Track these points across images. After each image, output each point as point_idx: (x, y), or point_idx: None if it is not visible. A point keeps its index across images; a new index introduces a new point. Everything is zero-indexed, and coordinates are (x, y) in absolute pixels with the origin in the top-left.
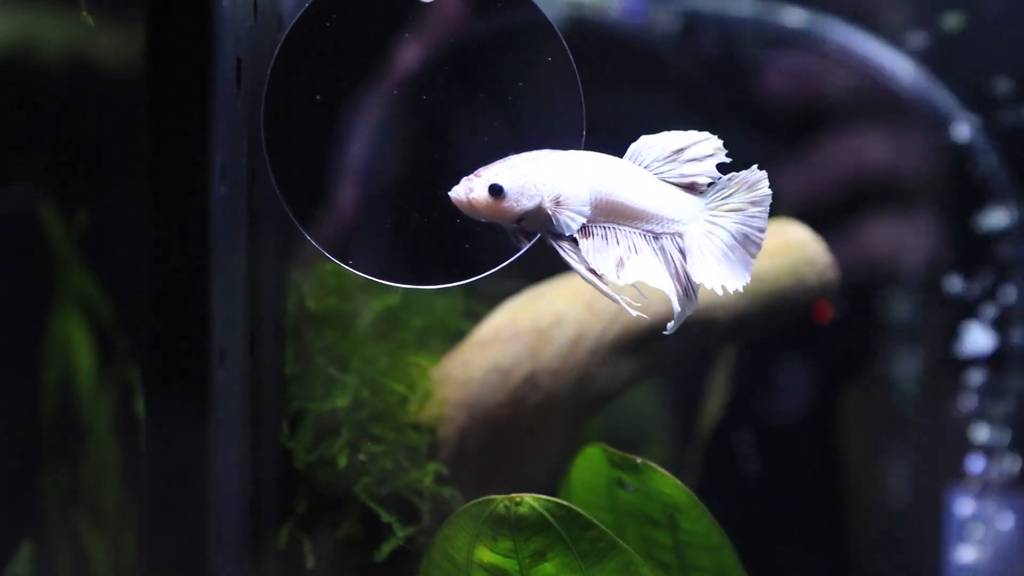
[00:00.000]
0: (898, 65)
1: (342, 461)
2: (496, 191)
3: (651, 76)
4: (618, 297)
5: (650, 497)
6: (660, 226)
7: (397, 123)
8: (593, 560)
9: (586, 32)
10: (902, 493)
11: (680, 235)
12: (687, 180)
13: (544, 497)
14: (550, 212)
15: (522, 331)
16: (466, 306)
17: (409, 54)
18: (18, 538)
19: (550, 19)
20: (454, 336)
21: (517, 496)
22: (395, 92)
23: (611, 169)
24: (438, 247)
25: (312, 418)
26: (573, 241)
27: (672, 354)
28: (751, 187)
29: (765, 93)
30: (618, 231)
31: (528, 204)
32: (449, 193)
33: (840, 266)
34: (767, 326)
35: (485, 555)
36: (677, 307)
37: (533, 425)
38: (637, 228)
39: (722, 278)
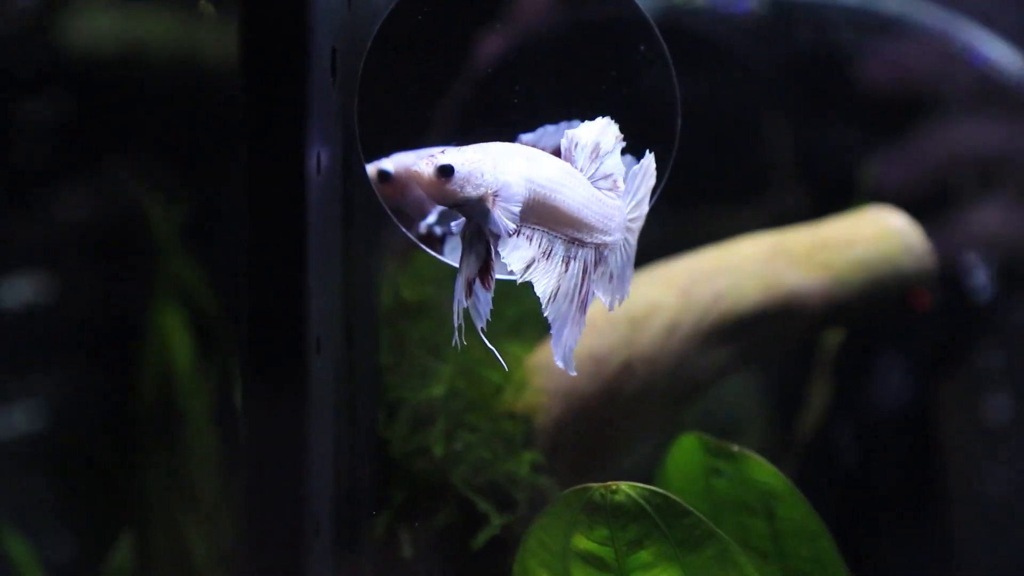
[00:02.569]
0: (996, 49)
1: (438, 450)
2: (446, 171)
3: (745, 65)
4: (457, 322)
5: (746, 485)
6: (590, 236)
7: (489, 114)
8: (689, 548)
9: (678, 21)
10: (1005, 483)
11: (606, 246)
12: (609, 179)
13: (640, 485)
14: (488, 205)
15: (617, 320)
16: None
17: (501, 45)
18: (119, 528)
19: (642, 7)
20: (547, 325)
21: (613, 484)
22: (488, 83)
23: (555, 172)
24: None
25: (408, 408)
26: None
27: (768, 343)
28: (650, 178)
29: (863, 81)
30: (544, 234)
31: (471, 192)
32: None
33: (939, 254)
34: (863, 314)
35: (581, 543)
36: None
37: (629, 414)
38: (567, 235)
39: (618, 294)
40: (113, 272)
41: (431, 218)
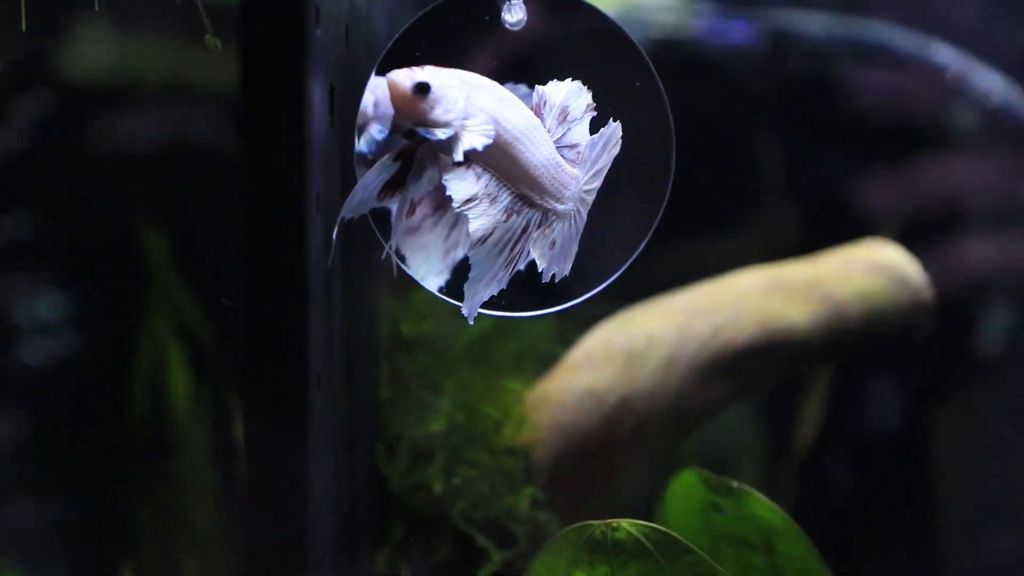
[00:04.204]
0: (990, 80)
1: (438, 486)
2: (423, 88)
3: (738, 94)
4: (391, 252)
5: (746, 521)
6: (541, 198)
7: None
8: None
9: (675, 51)
10: (1003, 515)
11: (555, 214)
12: (574, 149)
13: (641, 522)
14: (453, 130)
15: (615, 354)
16: (559, 330)
17: (495, 78)
18: (116, 564)
19: (636, 41)
20: (547, 360)
21: (614, 521)
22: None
23: (522, 122)
24: (530, 275)
25: (407, 443)
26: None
27: (766, 375)
28: (613, 148)
29: (858, 110)
30: (492, 179)
31: (439, 116)
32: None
33: (935, 285)
34: (862, 347)
35: None
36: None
37: (627, 448)
38: (518, 189)
39: (557, 265)
40: (105, 299)
41: (374, 132)
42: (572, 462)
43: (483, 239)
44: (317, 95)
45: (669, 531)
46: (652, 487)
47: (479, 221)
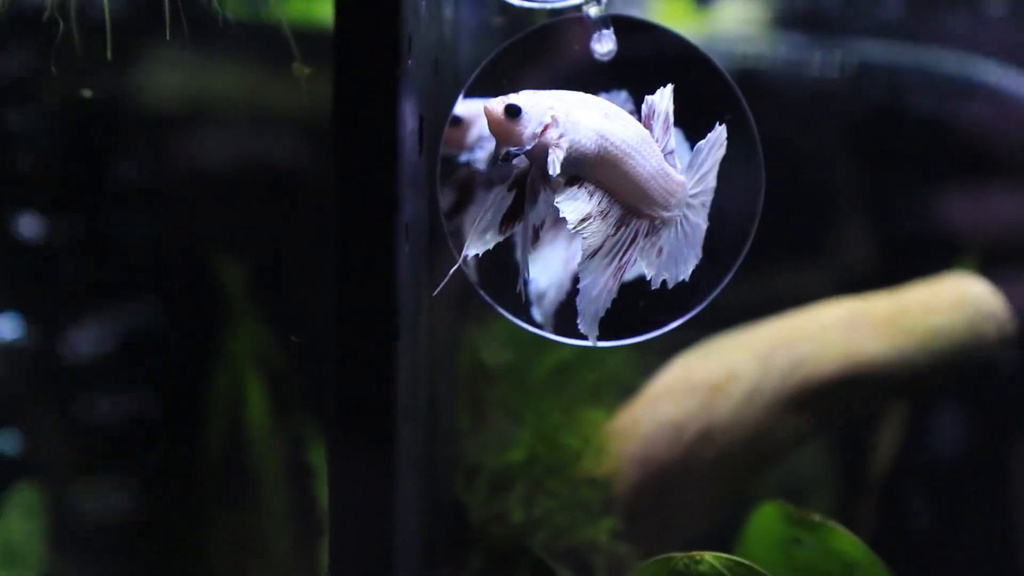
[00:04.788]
0: None
1: (517, 516)
2: (513, 111)
3: (818, 124)
4: (526, 271)
5: (827, 555)
6: (649, 209)
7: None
8: None
9: (752, 82)
10: None
11: (662, 221)
12: (673, 155)
13: (724, 555)
14: (549, 152)
15: (696, 386)
16: (639, 360)
17: None
18: None
19: (728, 75)
20: (627, 390)
21: (697, 554)
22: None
23: (632, 136)
24: (612, 304)
25: (487, 472)
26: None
27: (847, 409)
28: (719, 150)
29: (938, 139)
30: (605, 196)
31: (533, 135)
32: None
33: (1019, 319)
34: (945, 382)
35: None
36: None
37: (707, 481)
38: (626, 203)
39: (667, 272)
40: (183, 325)
41: (479, 154)
42: (651, 494)
43: (593, 253)
44: (408, 125)
45: (753, 564)
46: (730, 519)
47: (592, 239)
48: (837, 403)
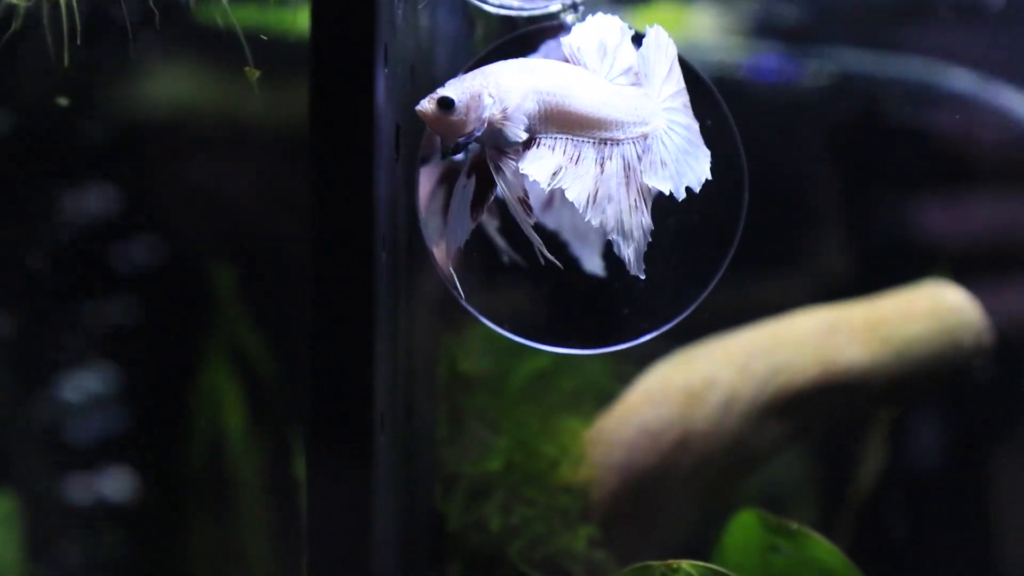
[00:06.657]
0: None
1: (495, 524)
2: (446, 104)
3: (794, 133)
4: (537, 239)
5: (805, 563)
6: (622, 131)
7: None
8: None
9: (728, 90)
10: None
11: (645, 137)
12: (629, 72)
13: (701, 563)
14: (498, 125)
15: (673, 394)
16: (617, 368)
17: None
18: None
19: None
20: (605, 398)
21: (674, 562)
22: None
23: (563, 77)
24: (593, 311)
25: (465, 481)
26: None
27: (825, 417)
28: (666, 50)
29: (915, 148)
30: (568, 141)
31: (476, 120)
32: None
33: (995, 327)
34: (923, 390)
35: None
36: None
37: (685, 488)
38: (595, 137)
39: (684, 179)
40: (166, 330)
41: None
42: (629, 501)
43: (591, 199)
44: (384, 133)
45: (730, 573)
46: (709, 527)
47: (576, 187)
48: (814, 411)
